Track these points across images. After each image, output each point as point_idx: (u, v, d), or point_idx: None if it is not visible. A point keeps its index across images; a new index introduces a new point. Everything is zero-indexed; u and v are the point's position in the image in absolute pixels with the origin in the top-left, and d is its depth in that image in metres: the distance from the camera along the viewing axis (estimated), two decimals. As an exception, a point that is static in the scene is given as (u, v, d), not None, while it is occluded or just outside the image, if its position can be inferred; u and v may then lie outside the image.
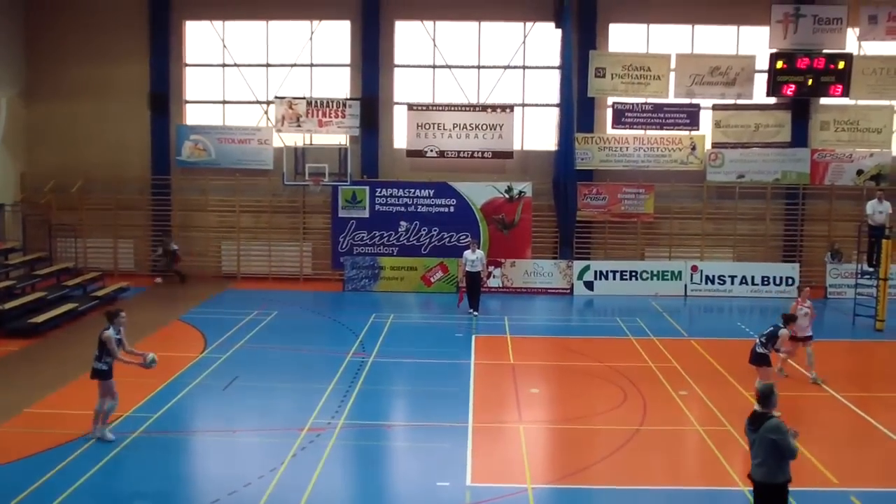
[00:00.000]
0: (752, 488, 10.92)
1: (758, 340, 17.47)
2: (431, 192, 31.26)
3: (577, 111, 31.33)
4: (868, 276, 26.84)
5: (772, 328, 17.33)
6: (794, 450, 10.46)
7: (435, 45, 31.98)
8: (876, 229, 26.62)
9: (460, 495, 13.13)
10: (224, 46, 32.28)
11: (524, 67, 32.16)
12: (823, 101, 31.83)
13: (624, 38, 32.01)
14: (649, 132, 31.88)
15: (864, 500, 13.11)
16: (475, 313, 26.30)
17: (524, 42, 31.94)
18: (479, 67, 32.16)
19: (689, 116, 31.81)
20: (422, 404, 18.10)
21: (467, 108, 31.70)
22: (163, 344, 22.74)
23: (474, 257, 26.65)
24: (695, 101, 31.76)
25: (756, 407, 10.83)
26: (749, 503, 12.94)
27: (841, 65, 30.86)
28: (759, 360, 17.25)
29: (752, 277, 30.96)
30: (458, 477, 13.80)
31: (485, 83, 32.20)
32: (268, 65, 32.33)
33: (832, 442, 16.38)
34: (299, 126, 31.52)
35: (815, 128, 32.06)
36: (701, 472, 14.60)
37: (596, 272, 30.80)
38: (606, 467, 14.59)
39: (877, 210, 26.75)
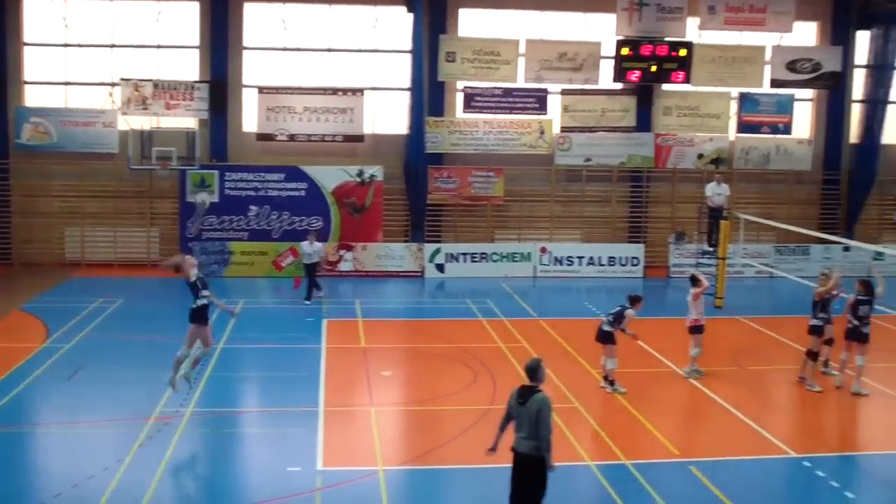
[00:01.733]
0: (512, 463, 11.08)
1: (604, 319, 17.91)
2: (282, 177, 30.90)
3: (428, 95, 31.51)
4: (708, 256, 27.86)
5: (619, 308, 17.77)
6: (550, 427, 10.65)
7: (285, 27, 31.60)
8: (715, 211, 27.61)
9: (311, 480, 13.10)
10: (66, 25, 31.17)
11: (375, 51, 32.10)
12: (666, 87, 32.87)
13: (474, 22, 32.31)
14: (499, 116, 32.28)
15: (703, 470, 13.66)
16: (308, 302, 25.92)
17: (375, 25, 31.85)
18: (329, 51, 31.95)
19: (538, 101, 32.34)
20: (272, 390, 17.99)
21: (318, 92, 31.46)
22: (2, 335, 22.02)
23: (312, 250, 26.31)
24: (543, 85, 32.28)
25: (525, 381, 10.98)
26: (596, 479, 13.35)
27: (683, 52, 31.88)
28: (605, 338, 17.68)
29: (599, 258, 31.77)
30: (308, 461, 13.79)
31: (336, 67, 32.00)
32: (113, 45, 31.38)
33: (674, 415, 17.03)
34: (146, 109, 30.74)
35: (658, 113, 33.07)
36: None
37: (447, 255, 31.08)
38: (457, 447, 14.78)
39: (715, 192, 27.73)
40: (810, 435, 16.16)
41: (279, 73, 31.84)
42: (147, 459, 13.67)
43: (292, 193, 30.90)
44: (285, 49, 31.78)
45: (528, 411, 10.70)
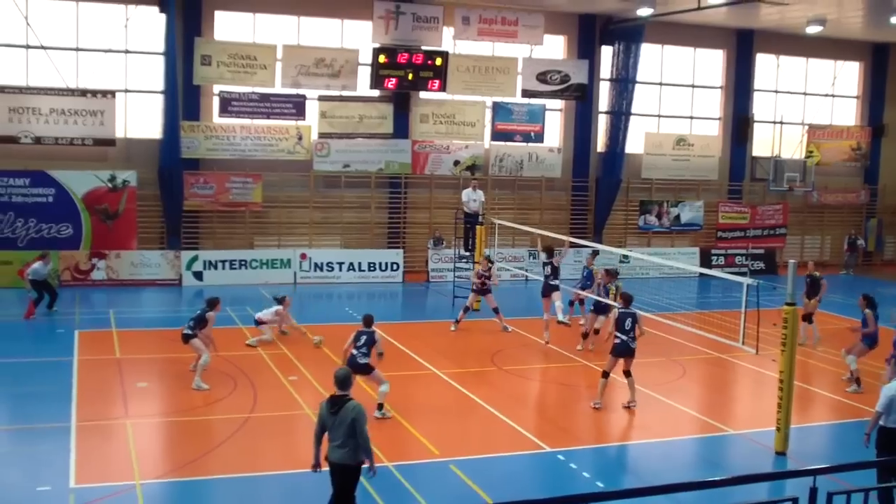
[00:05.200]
0: (330, 472, 11.17)
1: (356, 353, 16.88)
2: (27, 182, 29.31)
3: (183, 99, 30.70)
4: (465, 260, 28.54)
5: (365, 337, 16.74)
6: (367, 436, 10.93)
7: (28, 23, 29.99)
8: (470, 216, 28.27)
9: (63, 499, 12.51)
10: None
11: (127, 52, 30.99)
12: (423, 94, 33.41)
13: (230, 26, 31.75)
14: (256, 121, 31.90)
15: (462, 468, 13.97)
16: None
17: (126, 25, 30.75)
18: (77, 50, 30.57)
19: (296, 107, 32.17)
20: (20, 406, 17.05)
21: (66, 93, 30.03)
22: None
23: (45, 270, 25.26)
24: (301, 91, 32.15)
25: (335, 391, 11.12)
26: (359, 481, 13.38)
27: (438, 61, 32.47)
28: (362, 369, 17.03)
29: (360, 264, 31.99)
30: (60, 479, 13.13)
31: (85, 67, 30.65)
32: None
33: (434, 416, 17.26)
34: None
35: (415, 120, 33.58)
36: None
37: (205, 262, 30.49)
38: (218, 456, 14.52)
39: (471, 198, 28.40)
40: (563, 430, 16.78)
41: (22, 71, 30.18)
42: None
43: (39, 199, 29.36)
44: (28, 47, 30.17)
45: (343, 420, 10.88)
